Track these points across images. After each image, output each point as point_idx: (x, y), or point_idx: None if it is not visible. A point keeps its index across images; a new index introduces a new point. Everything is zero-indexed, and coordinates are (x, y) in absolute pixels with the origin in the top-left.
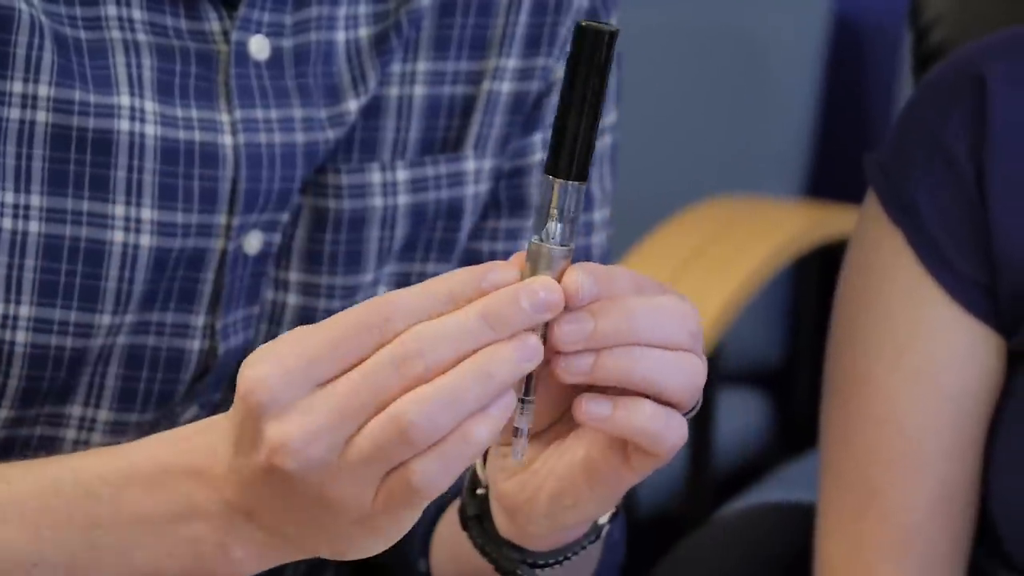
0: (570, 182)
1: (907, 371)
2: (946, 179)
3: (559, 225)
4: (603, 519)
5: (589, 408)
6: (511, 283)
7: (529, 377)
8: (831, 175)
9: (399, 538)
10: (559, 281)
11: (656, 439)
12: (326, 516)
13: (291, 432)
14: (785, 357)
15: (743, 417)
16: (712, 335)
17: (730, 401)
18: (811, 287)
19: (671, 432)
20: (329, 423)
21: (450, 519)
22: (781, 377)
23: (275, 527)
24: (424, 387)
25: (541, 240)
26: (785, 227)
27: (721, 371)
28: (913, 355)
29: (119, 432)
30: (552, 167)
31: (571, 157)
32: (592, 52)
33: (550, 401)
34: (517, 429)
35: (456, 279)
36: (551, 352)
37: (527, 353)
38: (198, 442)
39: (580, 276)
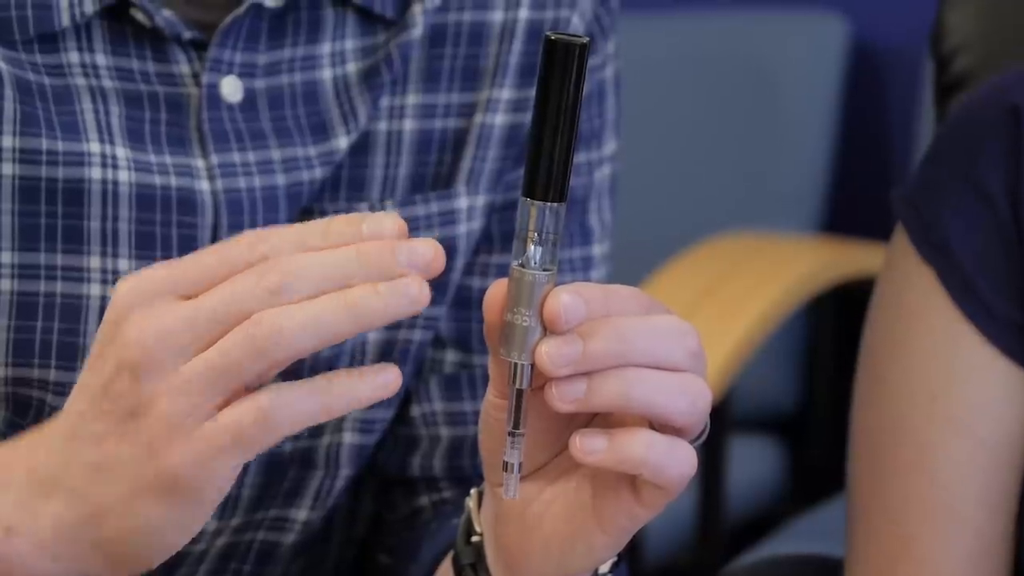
0: (548, 204)
1: (941, 417)
2: (980, 215)
3: (539, 249)
4: (604, 568)
5: (584, 443)
6: (390, 234)
7: (518, 410)
8: (848, 210)
9: (190, 521)
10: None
11: (660, 470)
12: (141, 432)
13: (144, 328)
14: (800, 402)
15: (755, 465)
16: (723, 378)
17: (742, 449)
18: (827, 328)
19: (676, 461)
20: (181, 326)
21: (445, 569)
22: (796, 423)
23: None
24: (287, 306)
25: (522, 265)
26: (800, 264)
27: (732, 417)
28: (947, 401)
29: None
30: (529, 189)
31: (548, 178)
32: (564, 66)
33: (547, 436)
34: (508, 464)
35: (335, 223)
36: (541, 379)
37: (399, 295)
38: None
39: (564, 297)
